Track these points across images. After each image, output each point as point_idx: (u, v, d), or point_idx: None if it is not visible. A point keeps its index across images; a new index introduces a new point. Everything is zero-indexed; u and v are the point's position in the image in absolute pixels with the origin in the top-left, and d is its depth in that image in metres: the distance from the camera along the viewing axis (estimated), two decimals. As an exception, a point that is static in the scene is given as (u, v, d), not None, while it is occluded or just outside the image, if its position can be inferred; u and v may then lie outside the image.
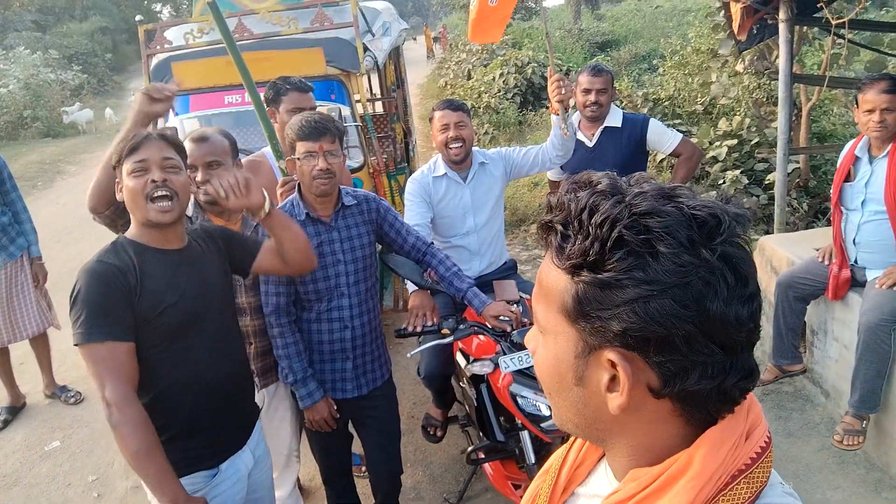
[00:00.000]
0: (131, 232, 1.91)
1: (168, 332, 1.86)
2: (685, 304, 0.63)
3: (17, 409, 4.31)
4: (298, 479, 3.02)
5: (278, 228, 2.06)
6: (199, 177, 2.33)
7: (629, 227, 0.64)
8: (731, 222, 0.65)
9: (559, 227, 0.69)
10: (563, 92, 2.93)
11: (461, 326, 2.58)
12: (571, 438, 0.88)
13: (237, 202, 1.92)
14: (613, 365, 0.67)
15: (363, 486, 2.92)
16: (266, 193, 2.01)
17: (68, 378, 4.59)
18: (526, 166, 3.21)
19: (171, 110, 4.20)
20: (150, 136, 1.88)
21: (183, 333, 1.89)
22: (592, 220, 0.66)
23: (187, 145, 2.36)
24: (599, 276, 0.65)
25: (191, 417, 1.92)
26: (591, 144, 3.59)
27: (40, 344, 4.33)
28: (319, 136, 2.24)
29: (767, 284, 3.86)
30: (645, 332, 0.64)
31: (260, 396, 2.62)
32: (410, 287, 2.74)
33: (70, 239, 8.02)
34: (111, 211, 2.16)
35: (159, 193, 1.82)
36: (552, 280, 0.71)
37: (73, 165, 13.04)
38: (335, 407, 2.43)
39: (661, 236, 0.64)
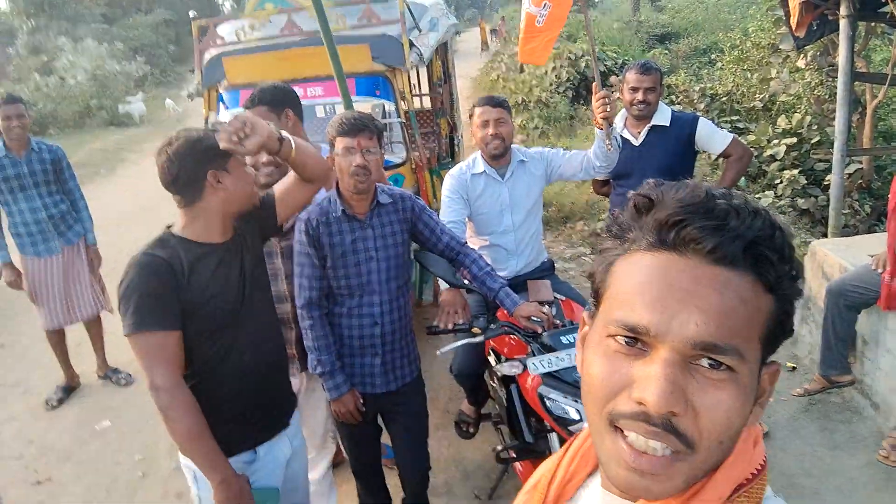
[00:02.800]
0: (177, 228, 1.98)
1: (211, 324, 1.92)
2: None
3: (71, 388, 4.50)
4: (333, 461, 3.07)
5: (299, 153, 2.01)
6: (263, 157, 2.44)
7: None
8: None
9: (766, 252, 0.65)
10: (608, 109, 2.90)
11: (492, 326, 2.57)
12: (561, 452, 0.86)
13: (251, 141, 1.82)
14: (771, 380, 0.70)
15: (394, 478, 2.96)
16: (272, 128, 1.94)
17: (120, 361, 4.76)
18: (568, 172, 3.18)
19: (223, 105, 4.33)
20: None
21: (225, 324, 1.95)
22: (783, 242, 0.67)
23: None
24: (795, 287, 0.67)
25: (231, 404, 1.99)
26: (637, 143, 3.51)
27: (94, 327, 4.52)
28: (357, 132, 2.28)
29: (818, 291, 3.73)
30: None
31: (298, 379, 2.69)
32: (443, 285, 2.75)
33: (129, 225, 8.31)
34: None
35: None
36: (752, 305, 0.64)
37: (135, 154, 13.48)
38: (361, 400, 2.46)
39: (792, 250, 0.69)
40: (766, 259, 0.64)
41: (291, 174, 2.14)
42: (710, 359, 0.62)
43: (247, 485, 1.94)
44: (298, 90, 4.15)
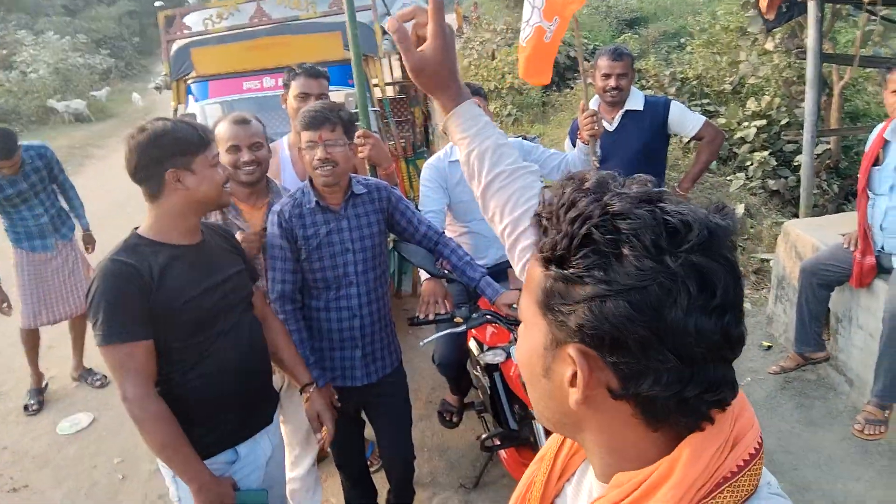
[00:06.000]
0: (144, 228, 1.91)
1: (188, 327, 1.88)
2: (640, 309, 0.62)
3: (41, 390, 4.40)
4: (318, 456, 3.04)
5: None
6: (244, 157, 2.41)
7: (599, 225, 0.65)
8: (704, 231, 0.64)
9: (543, 221, 0.71)
10: (595, 128, 2.97)
11: (474, 315, 2.56)
12: None
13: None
14: (574, 360, 0.68)
15: (380, 472, 2.95)
16: None
17: (95, 361, 4.68)
18: (544, 170, 3.25)
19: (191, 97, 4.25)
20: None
21: (203, 327, 1.91)
22: (567, 216, 0.67)
23: (229, 127, 2.43)
24: (564, 271, 0.67)
25: (211, 404, 1.95)
26: (611, 128, 3.52)
27: (79, 325, 4.43)
28: (319, 125, 2.23)
29: (791, 270, 3.79)
30: (599, 332, 0.65)
31: (280, 376, 2.65)
32: (423, 275, 2.74)
33: (100, 224, 8.10)
34: None
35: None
36: (532, 271, 0.74)
37: (101, 149, 13.22)
38: (336, 395, 2.44)
39: (628, 238, 0.63)
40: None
41: None
42: None
43: (229, 488, 1.91)
44: (267, 80, 4.11)
